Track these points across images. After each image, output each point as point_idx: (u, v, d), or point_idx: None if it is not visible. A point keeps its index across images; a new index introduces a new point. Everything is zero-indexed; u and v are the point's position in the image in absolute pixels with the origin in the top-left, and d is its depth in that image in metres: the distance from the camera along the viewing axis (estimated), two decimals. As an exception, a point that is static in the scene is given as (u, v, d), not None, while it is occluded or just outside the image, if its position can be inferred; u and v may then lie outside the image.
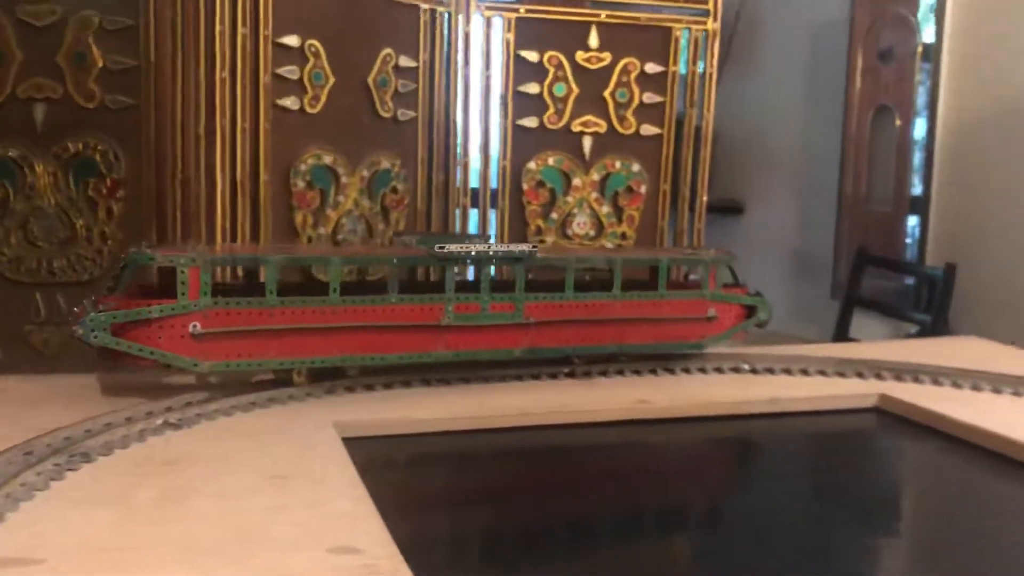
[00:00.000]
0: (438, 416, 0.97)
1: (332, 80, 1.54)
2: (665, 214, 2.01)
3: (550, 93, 1.87)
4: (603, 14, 1.86)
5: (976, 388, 1.18)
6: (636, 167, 1.95)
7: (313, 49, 1.51)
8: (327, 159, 1.55)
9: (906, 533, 0.85)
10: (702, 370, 1.21)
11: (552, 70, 1.87)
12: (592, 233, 1.96)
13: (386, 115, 1.65)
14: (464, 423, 0.97)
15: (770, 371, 1.22)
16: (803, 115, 3.38)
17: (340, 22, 1.55)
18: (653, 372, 1.19)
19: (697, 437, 1.06)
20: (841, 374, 1.21)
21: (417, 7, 1.70)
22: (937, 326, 2.47)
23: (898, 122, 2.71)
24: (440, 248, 1.05)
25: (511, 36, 1.83)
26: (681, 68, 1.95)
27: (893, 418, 1.12)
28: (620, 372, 1.17)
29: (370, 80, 1.61)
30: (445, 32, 1.78)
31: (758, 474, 1.00)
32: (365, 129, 1.62)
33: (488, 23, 1.82)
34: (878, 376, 1.20)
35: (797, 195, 3.40)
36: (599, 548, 0.76)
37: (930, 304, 2.53)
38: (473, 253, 1.07)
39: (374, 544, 0.66)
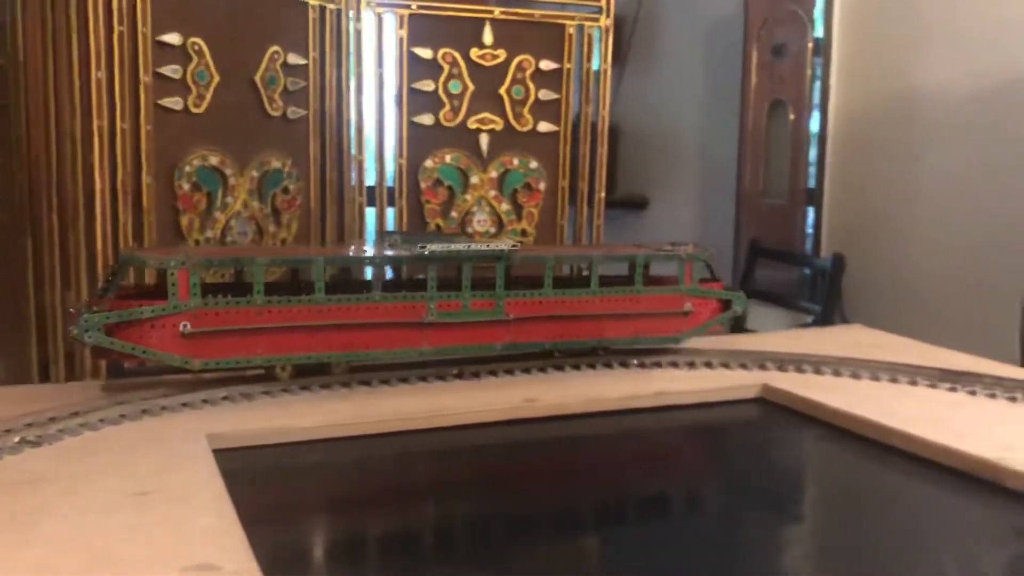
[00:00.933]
0: (315, 424, 0.95)
1: (217, 79, 1.50)
2: (564, 211, 2.01)
3: (445, 90, 1.86)
4: (496, 11, 1.86)
5: (856, 376, 1.21)
6: (534, 164, 1.95)
7: (196, 47, 1.47)
8: (214, 160, 1.51)
9: (788, 521, 0.87)
10: (591, 366, 1.21)
11: (447, 67, 1.85)
12: (492, 231, 1.95)
13: (275, 114, 1.62)
14: (342, 430, 0.95)
15: (658, 365, 1.23)
16: (702, 110, 3.44)
17: (224, 19, 1.51)
18: (542, 370, 1.19)
19: (585, 434, 1.06)
20: (726, 366, 1.23)
21: (306, 4, 1.67)
22: (827, 316, 2.54)
23: (792, 116, 2.78)
24: (421, 248, 1.09)
25: (404, 33, 1.81)
26: (577, 65, 1.96)
27: (775, 408, 1.14)
28: (509, 372, 1.17)
29: (257, 78, 1.57)
30: (335, 29, 1.75)
31: (646, 468, 1.01)
32: (253, 128, 1.59)
33: (380, 20, 1.79)
34: (762, 367, 1.22)
35: (698, 189, 3.46)
36: (486, 556, 0.76)
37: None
38: (455, 252, 1.11)
39: (233, 560, 0.64)
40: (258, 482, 0.87)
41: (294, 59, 1.65)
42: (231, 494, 0.75)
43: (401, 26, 1.82)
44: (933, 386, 1.16)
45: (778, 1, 2.83)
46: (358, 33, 1.79)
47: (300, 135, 1.71)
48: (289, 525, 0.79)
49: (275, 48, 1.61)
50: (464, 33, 1.85)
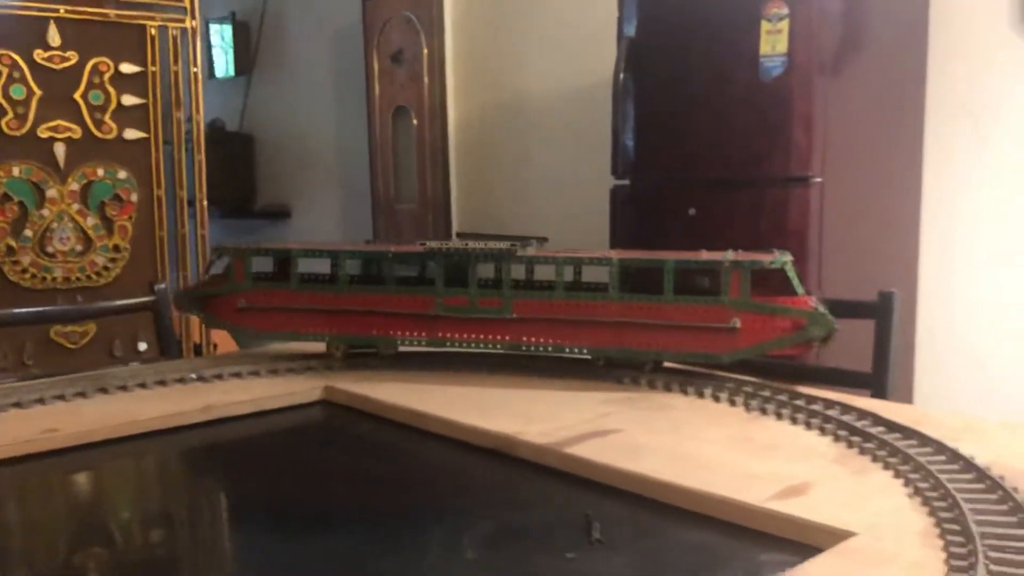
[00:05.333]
0: None
1: None
2: (163, 222, 1.91)
3: (6, 96, 1.69)
4: (62, 9, 1.72)
5: (416, 367, 1.23)
6: (123, 174, 1.83)
7: None
8: None
9: (342, 516, 0.84)
10: (128, 387, 1.12)
11: (6, 70, 1.68)
12: (79, 248, 1.80)
13: None
14: None
15: (219, 377, 1.17)
16: (334, 118, 3.43)
17: None
18: (82, 395, 1.08)
19: (117, 462, 0.97)
20: (293, 371, 1.20)
21: None
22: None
23: (415, 122, 2.83)
24: (421, 244, 1.18)
25: (-53, 32, 1.62)
26: (164, 68, 1.86)
27: (338, 408, 1.13)
28: (40, 400, 1.05)
29: None
30: None
31: (183, 492, 0.94)
32: None
33: (-85, 17, 1.59)
34: (329, 368, 1.21)
35: (338, 196, 3.45)
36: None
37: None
38: (459, 250, 1.17)
39: None
40: None
41: None
42: None
43: (-56, 24, 1.63)
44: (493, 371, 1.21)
45: (393, 7, 2.87)
46: None
47: None
48: None
49: None
50: (24, 33, 1.70)
